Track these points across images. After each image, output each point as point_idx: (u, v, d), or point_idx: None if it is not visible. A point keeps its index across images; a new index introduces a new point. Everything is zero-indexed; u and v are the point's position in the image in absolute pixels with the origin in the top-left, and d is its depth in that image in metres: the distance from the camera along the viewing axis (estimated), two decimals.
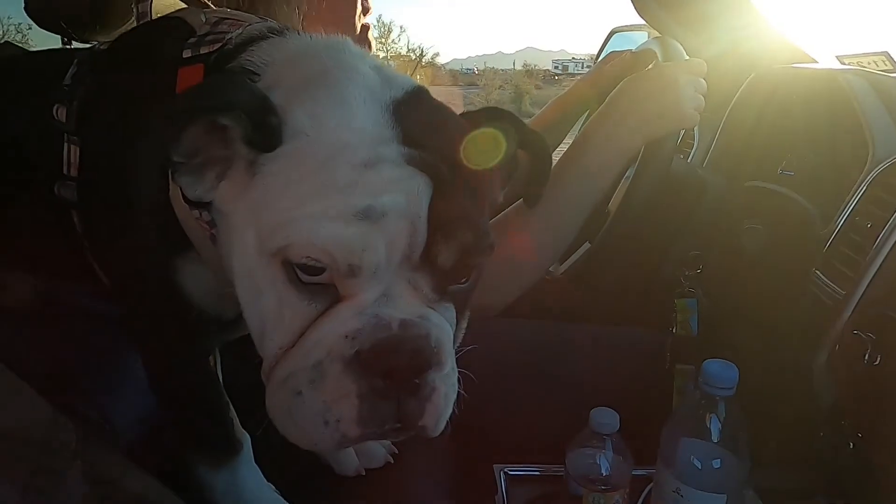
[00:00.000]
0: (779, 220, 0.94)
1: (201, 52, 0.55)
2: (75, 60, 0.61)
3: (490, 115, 0.56)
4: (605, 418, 0.74)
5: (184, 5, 0.69)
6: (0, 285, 0.55)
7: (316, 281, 0.44)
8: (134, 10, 0.70)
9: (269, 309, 0.45)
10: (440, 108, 0.53)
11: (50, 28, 0.96)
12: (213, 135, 0.45)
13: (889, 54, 1.22)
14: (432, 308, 0.46)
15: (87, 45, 1.01)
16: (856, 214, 0.81)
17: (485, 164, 0.50)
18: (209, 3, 0.77)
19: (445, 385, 0.46)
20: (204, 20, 0.59)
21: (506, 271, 0.78)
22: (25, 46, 0.96)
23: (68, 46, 1.02)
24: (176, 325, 0.57)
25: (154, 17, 0.87)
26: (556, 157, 1.29)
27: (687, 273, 0.99)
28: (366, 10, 0.99)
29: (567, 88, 1.21)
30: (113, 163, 0.52)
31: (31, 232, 0.58)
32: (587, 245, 1.03)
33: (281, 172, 0.44)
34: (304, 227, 0.42)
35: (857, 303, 0.73)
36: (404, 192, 0.43)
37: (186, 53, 0.55)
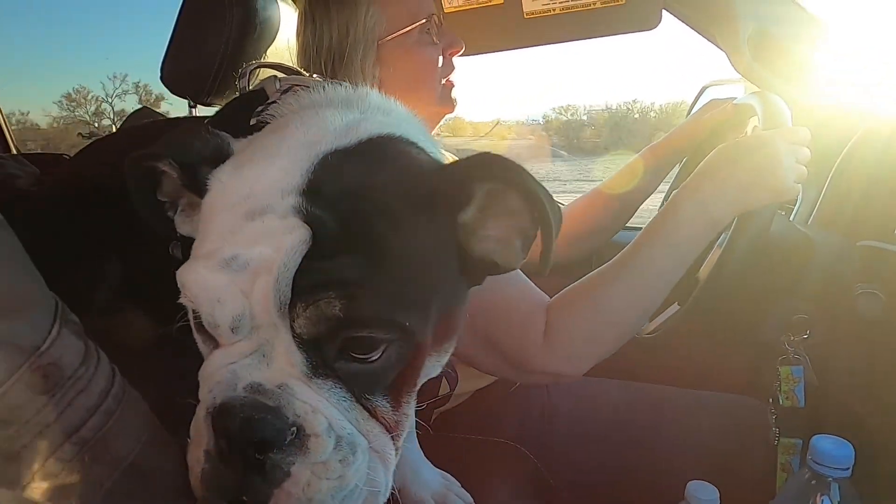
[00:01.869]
0: None
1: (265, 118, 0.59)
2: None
3: (469, 163, 0.47)
4: (704, 493, 0.69)
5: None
6: (128, 323, 0.60)
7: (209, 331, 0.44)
8: (237, 84, 0.77)
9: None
10: (395, 161, 0.48)
11: (179, 94, 1.08)
12: (170, 177, 0.51)
13: None
14: (307, 383, 0.41)
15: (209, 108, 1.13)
16: None
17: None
18: (300, 71, 0.83)
19: (317, 477, 0.40)
20: (277, 87, 0.64)
21: (583, 338, 0.77)
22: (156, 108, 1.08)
23: (193, 108, 1.14)
24: None
25: None
26: (647, 209, 1.28)
27: (792, 338, 0.92)
28: (449, 70, 1.04)
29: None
30: None
31: (153, 286, 0.63)
32: (676, 305, 0.99)
33: (200, 217, 0.47)
34: (183, 271, 0.43)
35: None
36: (275, 246, 0.40)
37: (252, 121, 0.60)
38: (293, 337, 0.41)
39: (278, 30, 1.12)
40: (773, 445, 0.88)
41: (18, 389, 0.39)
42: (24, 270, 0.43)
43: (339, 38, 0.98)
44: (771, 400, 0.91)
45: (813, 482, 0.61)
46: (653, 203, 1.30)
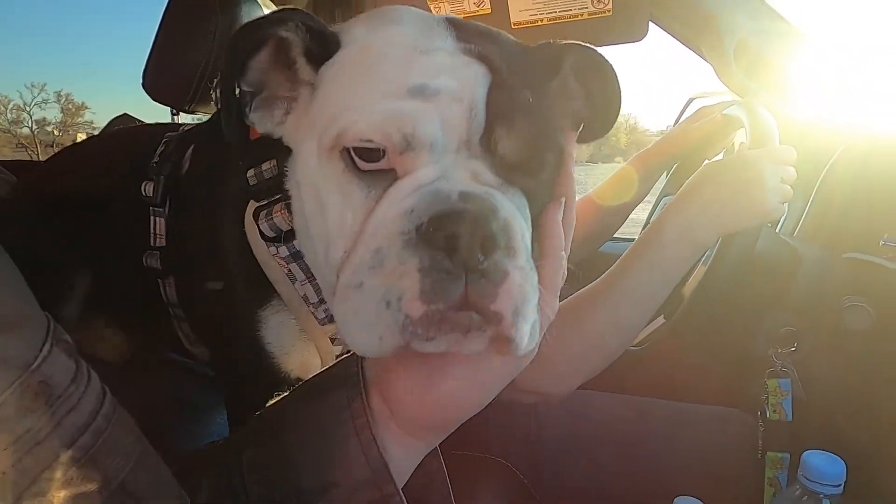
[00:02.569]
0: (885, 297, 0.86)
1: None
2: (163, 140, 0.66)
3: (557, 46, 0.53)
4: None
5: None
6: (99, 337, 0.59)
7: (374, 168, 0.43)
8: (212, 95, 0.76)
9: (333, 216, 0.44)
10: (493, 29, 0.52)
11: (162, 102, 1.06)
12: (277, 61, 0.47)
13: None
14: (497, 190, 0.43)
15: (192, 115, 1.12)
16: None
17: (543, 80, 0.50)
18: None
19: (522, 278, 0.40)
20: None
21: (571, 359, 0.76)
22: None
23: (175, 115, 1.12)
24: (264, 382, 0.58)
25: None
26: (639, 211, 1.28)
27: (780, 351, 0.92)
28: None
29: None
30: (197, 227, 0.56)
31: (124, 297, 0.62)
32: (662, 318, 0.98)
33: (337, 76, 0.46)
34: (358, 109, 0.42)
35: None
36: (459, 78, 0.43)
37: None
38: (481, 160, 0.43)
39: None
40: (760, 459, 0.88)
41: (9, 406, 0.38)
42: (16, 286, 0.42)
43: None
44: (759, 413, 0.91)
45: (804, 498, 0.60)
46: (638, 214, 1.30)
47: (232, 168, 0.55)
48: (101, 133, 0.87)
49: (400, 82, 0.42)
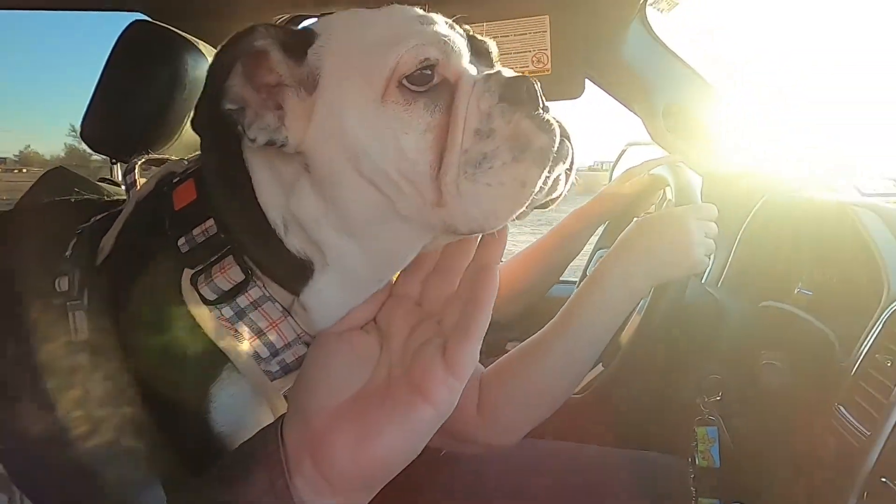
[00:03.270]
0: (799, 347, 0.93)
1: (187, 173, 0.58)
2: (77, 232, 0.63)
3: None
4: None
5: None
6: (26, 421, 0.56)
7: (428, 87, 0.48)
8: (124, 180, 0.73)
9: (411, 143, 0.47)
10: None
11: (101, 152, 1.04)
12: (255, 72, 0.49)
13: None
14: None
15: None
16: (875, 350, 0.80)
17: None
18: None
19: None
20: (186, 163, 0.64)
21: (518, 408, 0.78)
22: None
23: (114, 164, 1.10)
24: (208, 461, 0.56)
25: None
26: (574, 269, 1.33)
27: (707, 399, 0.97)
28: None
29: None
30: (129, 312, 0.55)
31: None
32: (601, 366, 1.03)
33: (341, 45, 0.50)
34: (401, 42, 0.47)
35: (883, 447, 0.70)
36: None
37: (175, 180, 0.59)
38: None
39: None
40: None
41: None
42: None
43: None
44: (689, 459, 0.96)
45: None
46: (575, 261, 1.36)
47: (159, 242, 0.55)
48: (32, 188, 0.84)
49: (408, 19, 0.49)
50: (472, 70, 0.50)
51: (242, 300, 0.54)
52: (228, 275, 0.53)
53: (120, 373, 0.56)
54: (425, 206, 0.48)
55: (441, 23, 0.50)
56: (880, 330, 0.80)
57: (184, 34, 1.07)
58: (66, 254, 0.61)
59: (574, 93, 1.34)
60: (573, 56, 1.28)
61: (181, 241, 0.55)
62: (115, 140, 1.04)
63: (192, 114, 1.07)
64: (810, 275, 1.09)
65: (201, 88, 1.10)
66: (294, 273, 0.54)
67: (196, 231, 0.55)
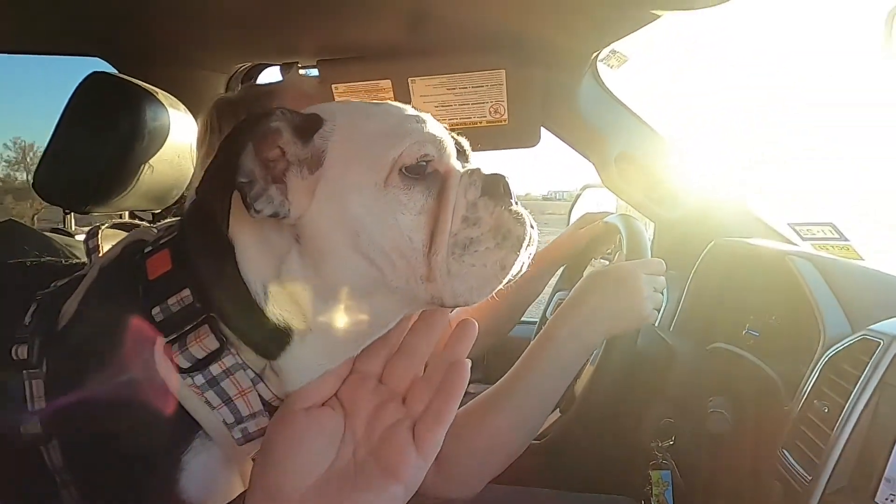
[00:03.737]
0: (746, 390, 0.96)
1: (160, 243, 0.59)
2: (36, 298, 0.62)
3: None
4: None
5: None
6: None
7: (423, 175, 0.53)
8: (86, 244, 0.72)
9: (406, 223, 0.52)
10: None
11: (54, 202, 1.03)
12: (266, 149, 0.52)
13: (835, 225, 1.32)
14: None
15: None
16: (814, 396, 0.84)
17: None
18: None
19: None
20: (157, 231, 0.63)
21: (473, 462, 0.79)
22: None
23: (67, 214, 1.09)
24: None
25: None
26: (531, 310, 1.36)
27: (660, 444, 1.00)
28: None
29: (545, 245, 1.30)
30: (94, 383, 0.54)
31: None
32: (558, 412, 1.05)
33: (347, 131, 0.54)
34: (409, 136, 0.52)
35: (823, 493, 0.73)
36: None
37: (147, 249, 0.58)
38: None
39: (168, 136, 1.11)
40: None
41: None
42: None
43: None
44: (643, 503, 0.97)
45: None
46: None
47: (129, 309, 0.55)
48: None
49: (404, 117, 0.55)
50: (458, 165, 0.56)
51: (215, 368, 0.54)
52: (204, 343, 0.54)
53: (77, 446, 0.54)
54: (415, 280, 0.52)
55: (430, 121, 0.56)
56: (818, 376, 0.84)
57: (143, 84, 1.07)
58: (26, 321, 0.60)
59: (530, 141, 1.39)
60: (529, 107, 1.33)
61: (156, 310, 0.54)
62: (69, 190, 1.03)
63: (147, 163, 1.07)
64: (757, 317, 1.14)
65: (162, 137, 1.10)
66: (272, 340, 0.55)
67: (171, 300, 0.55)
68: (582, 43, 1.22)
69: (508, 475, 1.05)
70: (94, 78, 1.06)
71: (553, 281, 1.37)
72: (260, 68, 1.45)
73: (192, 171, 1.13)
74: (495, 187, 0.54)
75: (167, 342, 0.54)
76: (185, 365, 0.54)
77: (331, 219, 0.52)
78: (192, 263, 0.56)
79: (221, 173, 0.50)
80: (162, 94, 1.11)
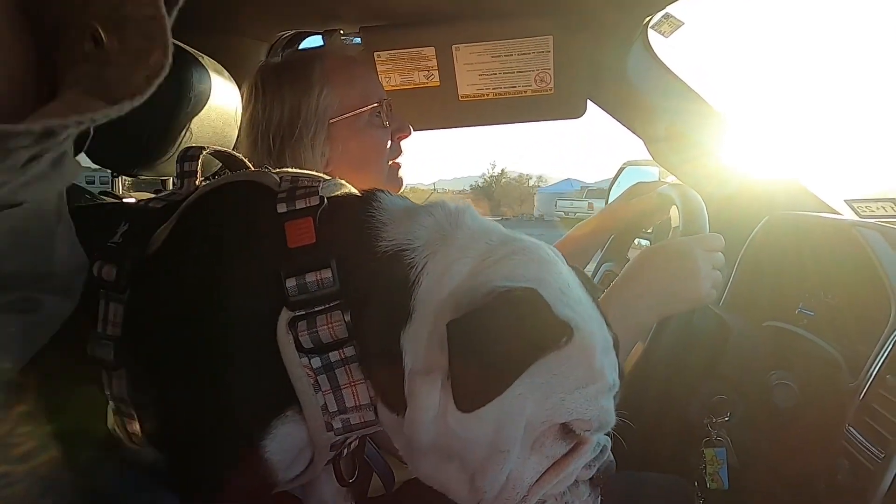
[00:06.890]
0: (805, 368, 0.92)
1: (297, 206, 0.55)
2: (126, 218, 0.60)
3: None
4: None
5: None
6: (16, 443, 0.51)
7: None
8: (181, 166, 0.68)
9: (527, 459, 0.51)
10: None
11: (103, 165, 1.02)
12: None
13: None
14: None
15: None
16: (886, 371, 0.80)
17: None
18: (246, 161, 0.78)
19: None
20: (279, 180, 0.60)
21: None
22: None
23: (116, 178, 1.09)
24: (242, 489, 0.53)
25: None
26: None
27: (714, 420, 0.96)
28: (397, 153, 1.05)
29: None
30: (198, 322, 0.52)
31: (56, 388, 0.55)
32: None
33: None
34: (586, 411, 0.51)
35: None
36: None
37: (281, 208, 0.55)
38: None
39: (208, 100, 1.10)
40: None
41: None
42: None
43: (290, 115, 0.97)
44: (696, 483, 0.94)
45: None
46: None
47: (253, 264, 0.53)
48: None
49: (603, 385, 0.54)
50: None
51: (335, 355, 0.52)
52: (334, 330, 0.51)
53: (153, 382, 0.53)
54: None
55: None
56: (890, 350, 0.80)
57: (189, 48, 1.06)
58: (114, 240, 0.57)
59: (576, 112, 1.35)
60: (576, 76, 1.29)
61: (290, 283, 0.51)
62: (118, 152, 1.02)
63: (188, 127, 1.05)
64: (813, 295, 1.10)
65: (204, 102, 1.08)
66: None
67: (309, 277, 0.52)
68: (634, 5, 1.18)
69: None
70: None
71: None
72: (302, 36, 1.43)
73: (236, 137, 1.12)
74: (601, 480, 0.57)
75: (293, 317, 0.51)
76: (308, 346, 0.51)
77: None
78: (349, 254, 0.53)
79: None
80: (207, 59, 1.10)
